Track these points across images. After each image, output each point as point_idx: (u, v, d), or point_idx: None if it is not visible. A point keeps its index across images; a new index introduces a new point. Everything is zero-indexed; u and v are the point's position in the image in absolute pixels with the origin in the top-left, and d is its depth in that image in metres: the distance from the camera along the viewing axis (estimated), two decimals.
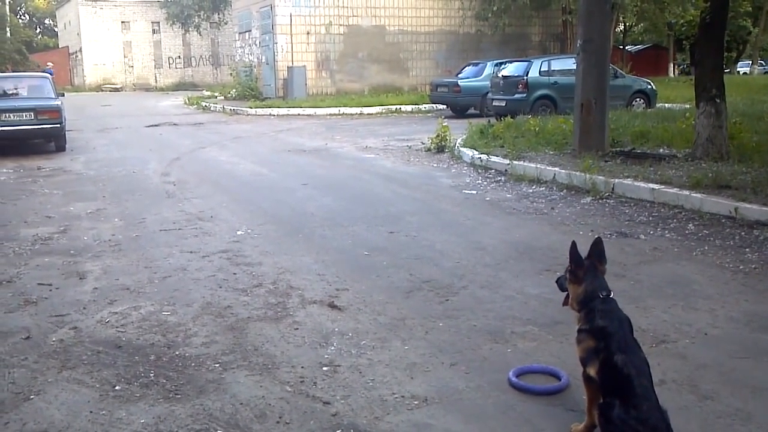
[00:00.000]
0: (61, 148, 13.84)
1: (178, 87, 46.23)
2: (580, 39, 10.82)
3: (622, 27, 39.74)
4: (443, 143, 12.67)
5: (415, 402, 3.45)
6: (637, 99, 19.35)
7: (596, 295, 3.07)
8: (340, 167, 11.39)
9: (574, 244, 3.21)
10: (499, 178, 9.76)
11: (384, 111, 22.96)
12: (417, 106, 23.85)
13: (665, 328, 4.33)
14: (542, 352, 4.01)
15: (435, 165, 11.37)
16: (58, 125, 13.42)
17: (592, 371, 2.97)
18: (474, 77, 21.67)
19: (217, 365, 3.88)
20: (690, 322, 4.41)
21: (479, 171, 10.45)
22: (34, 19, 71.41)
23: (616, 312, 3.03)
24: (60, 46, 55.94)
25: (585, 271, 3.15)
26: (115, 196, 8.99)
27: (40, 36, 68.72)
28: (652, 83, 20.45)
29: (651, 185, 7.98)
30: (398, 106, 23.52)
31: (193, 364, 3.90)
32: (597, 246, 3.19)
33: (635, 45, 46.02)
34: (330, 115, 22.28)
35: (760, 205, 6.87)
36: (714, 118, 9.50)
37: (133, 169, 11.36)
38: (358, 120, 20.79)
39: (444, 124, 12.99)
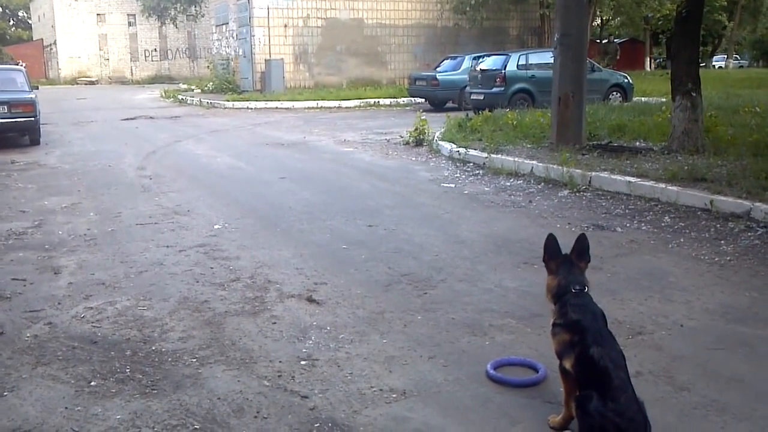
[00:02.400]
0: (35, 141, 13.66)
1: (155, 80, 45.82)
2: (558, 33, 10.86)
3: (599, 21, 39.97)
4: (421, 137, 12.67)
5: (394, 395, 3.45)
6: (614, 93, 19.44)
7: (569, 289, 3.09)
8: (318, 161, 11.36)
9: (550, 237, 3.22)
10: (477, 172, 9.78)
11: (362, 104, 22.92)
12: (395, 99, 23.84)
13: (641, 319, 4.36)
14: (520, 345, 4.02)
15: (413, 158, 11.36)
16: (33, 119, 13.23)
17: (567, 364, 2.99)
18: (452, 71, 21.69)
19: (194, 360, 3.86)
20: (666, 314, 4.45)
21: (457, 164, 10.46)
22: (7, 11, 70.40)
23: (589, 306, 3.05)
24: (34, 39, 55.23)
25: (558, 264, 3.17)
26: (91, 190, 8.90)
27: (13, 28, 67.82)
28: (628, 77, 20.57)
29: (627, 178, 8.04)
30: (376, 100, 23.48)
31: (169, 359, 3.87)
32: (579, 242, 3.21)
33: (615, 38, 46.27)
34: (308, 108, 22.20)
35: (735, 197, 6.94)
36: (690, 112, 9.57)
37: (108, 162, 11.25)
38: (336, 113, 20.73)
39: (422, 118, 12.98)
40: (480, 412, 3.30)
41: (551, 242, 3.21)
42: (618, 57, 31.51)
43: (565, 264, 3.16)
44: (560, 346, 3.05)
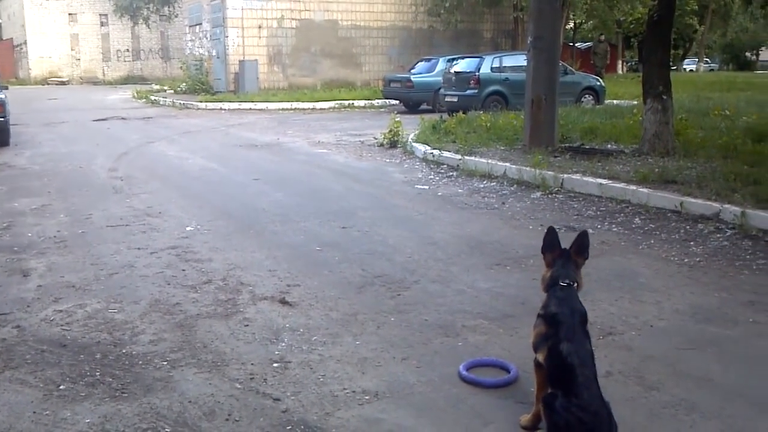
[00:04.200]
0: (4, 142, 13.44)
1: (127, 80, 45.30)
2: (531, 36, 10.93)
3: (572, 24, 40.28)
4: (396, 138, 12.68)
5: (366, 397, 3.45)
6: (586, 95, 19.63)
7: (558, 282, 3.11)
8: (292, 162, 11.33)
9: (550, 230, 3.26)
10: (451, 173, 9.81)
11: (337, 106, 22.89)
12: (370, 101, 23.83)
13: (612, 320, 4.41)
14: (492, 346, 4.04)
15: (387, 160, 11.37)
16: (2, 119, 13.04)
17: (541, 357, 3.02)
18: (426, 73, 21.75)
19: (165, 363, 3.82)
20: (636, 315, 4.50)
21: (431, 166, 10.49)
22: None
23: (571, 301, 3.06)
24: (4, 38, 54.41)
25: (555, 257, 3.19)
26: (61, 192, 8.79)
27: None
28: (601, 80, 20.75)
29: (599, 180, 8.11)
30: (351, 101, 23.46)
31: (140, 363, 3.84)
32: (580, 238, 3.23)
33: (585, 42, 46.66)
34: (282, 109, 22.12)
35: (705, 199, 7.03)
36: (661, 115, 9.69)
37: (79, 164, 11.12)
38: (310, 115, 20.69)
39: (396, 120, 12.99)
40: (452, 413, 3.31)
41: (550, 235, 3.23)
42: (608, 59, 30.89)
43: (562, 258, 3.18)
44: (536, 338, 3.08)
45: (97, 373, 3.71)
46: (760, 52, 65.24)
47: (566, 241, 3.25)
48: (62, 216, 7.44)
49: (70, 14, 47.43)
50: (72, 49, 47.79)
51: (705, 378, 3.63)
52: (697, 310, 4.59)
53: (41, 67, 46.57)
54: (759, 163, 8.39)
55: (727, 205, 6.73)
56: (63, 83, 44.84)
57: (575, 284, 3.13)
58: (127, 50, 49.59)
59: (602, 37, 29.59)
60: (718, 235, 6.27)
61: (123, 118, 19.34)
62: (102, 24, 48.40)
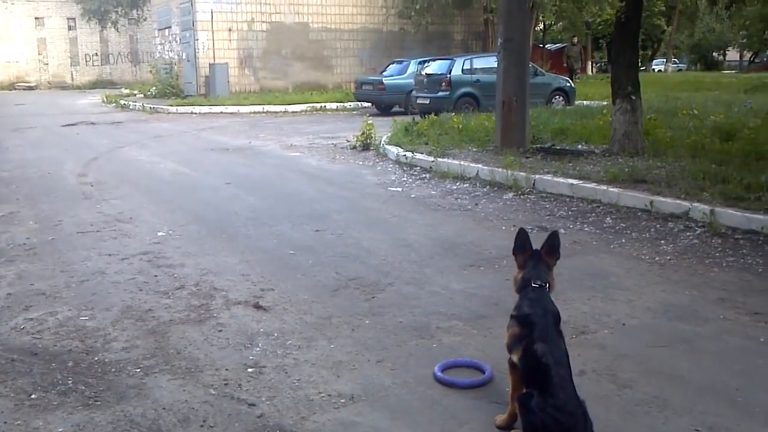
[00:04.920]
0: None
1: (96, 85, 44.82)
2: (501, 38, 11.00)
3: (541, 26, 40.58)
4: (368, 141, 12.68)
5: (342, 400, 3.45)
6: (557, 96, 19.80)
7: (530, 283, 3.13)
8: (264, 166, 11.28)
9: (521, 231, 3.27)
10: (424, 175, 9.83)
11: (309, 109, 22.84)
12: (342, 103, 23.82)
13: (585, 319, 4.44)
14: (467, 347, 4.05)
15: (360, 163, 11.37)
16: None
17: (515, 358, 3.03)
18: (398, 75, 21.80)
19: (138, 370, 3.79)
20: (609, 313, 4.54)
21: (404, 168, 10.50)
22: None
23: (543, 301, 3.08)
24: None
25: (526, 259, 3.20)
26: (30, 199, 8.67)
27: None
28: (570, 81, 20.93)
29: (570, 180, 8.18)
30: (323, 104, 23.43)
31: (113, 370, 3.79)
32: (551, 239, 3.25)
33: (554, 43, 47.03)
34: (254, 113, 22.02)
35: (674, 198, 7.13)
36: (630, 115, 9.80)
37: (48, 169, 10.97)
38: (282, 118, 20.63)
39: (369, 122, 12.99)
40: (428, 414, 3.32)
41: (521, 237, 3.24)
42: (582, 61, 30.83)
43: (533, 259, 3.20)
44: (510, 339, 3.10)
45: (70, 382, 3.66)
46: (726, 52, 66.28)
47: (539, 241, 3.27)
48: (31, 223, 7.33)
49: (36, 18, 46.78)
50: (39, 54, 47.14)
51: (677, 375, 3.68)
52: (668, 307, 4.64)
53: (8, 72, 45.89)
54: (727, 162, 8.52)
55: (696, 204, 6.82)
56: (31, 88, 44.20)
57: (547, 285, 3.15)
58: (96, 54, 49.02)
59: (575, 40, 29.60)
60: (688, 234, 6.35)
61: (92, 123, 19.13)
62: (70, 28, 47.78)
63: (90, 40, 48.07)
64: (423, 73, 19.32)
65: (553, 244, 3.24)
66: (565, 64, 28.84)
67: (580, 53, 28.90)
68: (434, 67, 19.26)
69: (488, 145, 11.31)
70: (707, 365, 3.80)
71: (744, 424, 3.19)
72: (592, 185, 7.90)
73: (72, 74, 47.94)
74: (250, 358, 3.93)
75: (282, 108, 22.62)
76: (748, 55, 63.48)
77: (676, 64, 58.69)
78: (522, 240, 3.24)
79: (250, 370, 3.77)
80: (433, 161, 10.13)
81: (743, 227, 6.32)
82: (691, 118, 13.01)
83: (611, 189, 7.63)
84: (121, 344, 4.14)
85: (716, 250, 5.89)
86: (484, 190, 8.67)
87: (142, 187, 9.45)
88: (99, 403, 3.44)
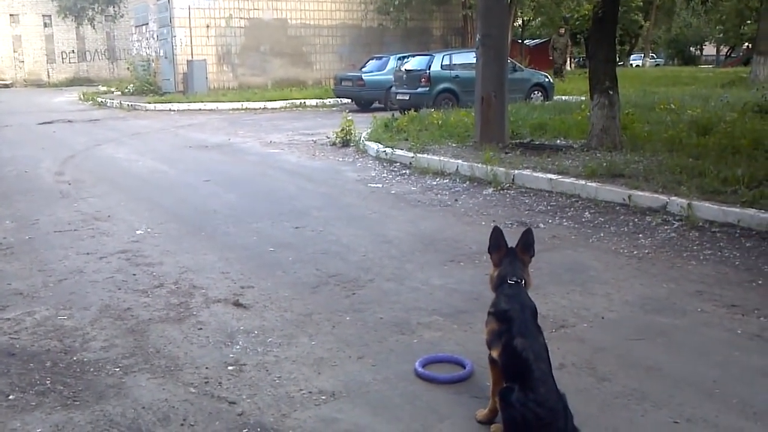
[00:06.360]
0: None
1: (73, 82, 44.33)
2: (480, 34, 11.02)
3: (520, 21, 40.68)
4: (348, 137, 12.65)
5: (323, 397, 3.45)
6: (535, 92, 19.84)
7: (506, 280, 3.15)
8: (243, 163, 11.24)
9: (496, 229, 3.28)
10: (404, 171, 9.84)
11: (288, 105, 22.76)
12: (321, 100, 23.74)
13: (564, 313, 4.47)
14: (447, 342, 4.07)
15: (340, 159, 11.35)
16: None
17: (495, 354, 3.05)
18: (378, 71, 21.76)
19: (118, 369, 3.76)
20: (587, 307, 4.57)
21: (384, 164, 10.50)
22: None
23: (520, 297, 3.11)
24: None
25: (502, 256, 3.22)
26: (6, 198, 8.57)
27: None
28: (549, 76, 21.02)
29: (549, 175, 8.22)
30: (302, 101, 23.34)
31: (91, 369, 3.77)
32: (525, 236, 3.27)
33: (533, 39, 47.16)
34: (233, 109, 21.90)
35: (652, 192, 7.19)
36: (608, 110, 9.86)
37: (25, 168, 10.85)
38: (261, 114, 20.53)
39: (349, 118, 12.96)
40: (409, 409, 3.33)
41: (496, 234, 3.26)
42: (568, 55, 30.08)
43: (508, 256, 3.22)
44: (489, 336, 3.12)
45: (48, 382, 3.63)
46: (703, 47, 66.76)
47: (518, 236, 3.28)
48: (8, 222, 7.25)
49: (11, 15, 46.23)
50: (15, 51, 46.60)
51: (655, 367, 3.71)
52: (647, 301, 4.68)
53: None
54: (704, 156, 8.60)
55: (673, 198, 6.88)
56: (6, 86, 43.66)
57: (523, 282, 3.17)
58: (73, 51, 48.53)
59: (562, 31, 29.04)
60: (666, 227, 6.41)
61: (69, 121, 18.93)
62: (45, 25, 47.25)
63: (66, 37, 47.57)
64: (402, 69, 19.29)
65: (527, 241, 3.26)
66: (551, 57, 28.26)
67: (566, 45, 28.38)
68: (413, 63, 19.24)
69: (468, 140, 11.33)
70: (685, 357, 3.83)
71: (722, 416, 3.23)
72: (571, 180, 7.94)
73: (48, 72, 47.43)
74: (231, 356, 3.91)
75: (261, 105, 22.52)
76: (724, 50, 64.02)
77: (654, 59, 59.07)
78: (496, 238, 3.25)
79: (230, 368, 3.76)
80: (412, 157, 10.14)
81: (720, 220, 6.39)
82: (669, 113, 13.09)
83: (590, 184, 7.68)
84: (100, 343, 4.11)
85: (693, 243, 5.95)
86: (464, 185, 8.69)
87: (120, 185, 9.37)
88: (78, 403, 3.41)
